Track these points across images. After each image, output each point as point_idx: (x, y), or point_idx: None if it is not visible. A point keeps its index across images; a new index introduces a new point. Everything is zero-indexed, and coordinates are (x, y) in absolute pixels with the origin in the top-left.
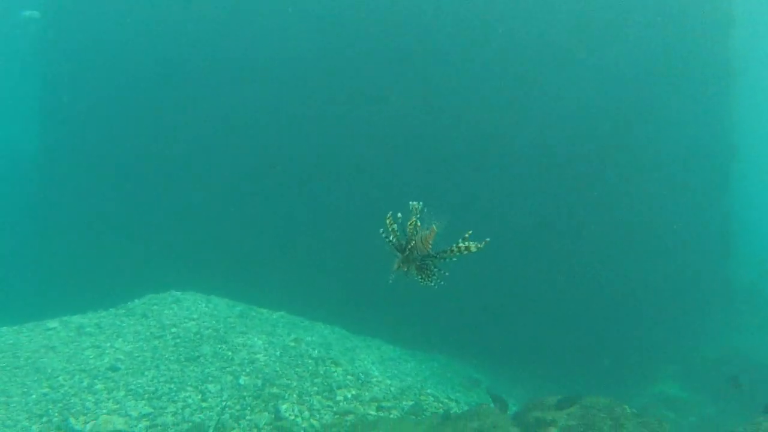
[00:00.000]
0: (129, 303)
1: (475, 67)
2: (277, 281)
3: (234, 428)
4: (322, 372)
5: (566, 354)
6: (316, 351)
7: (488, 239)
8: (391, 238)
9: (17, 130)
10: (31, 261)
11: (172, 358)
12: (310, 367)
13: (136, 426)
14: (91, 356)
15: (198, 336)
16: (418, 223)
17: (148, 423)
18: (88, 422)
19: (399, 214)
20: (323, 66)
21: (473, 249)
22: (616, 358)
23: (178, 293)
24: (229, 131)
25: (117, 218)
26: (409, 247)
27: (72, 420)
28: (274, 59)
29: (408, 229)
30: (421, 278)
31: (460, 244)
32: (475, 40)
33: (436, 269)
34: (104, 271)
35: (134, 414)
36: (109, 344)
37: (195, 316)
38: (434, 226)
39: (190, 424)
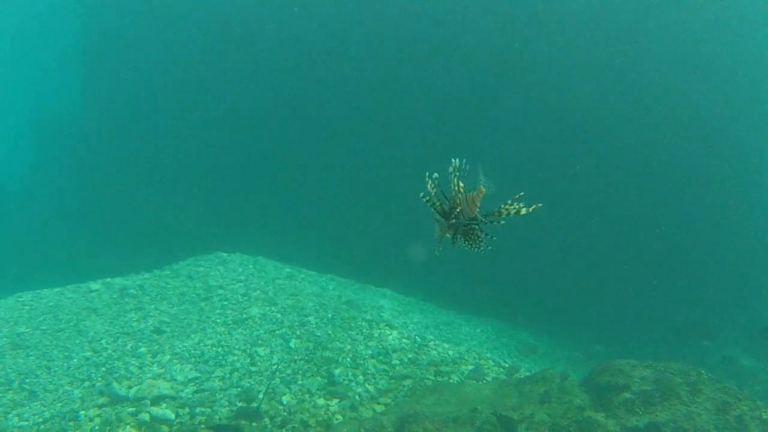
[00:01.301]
0: (174, 265)
1: None
2: (326, 243)
3: (285, 393)
4: (376, 335)
5: (627, 319)
6: (368, 314)
7: (540, 204)
8: (434, 202)
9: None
10: (74, 222)
11: (219, 320)
12: (364, 330)
13: (182, 391)
14: (135, 319)
15: (246, 298)
16: (461, 184)
17: (194, 388)
18: (133, 387)
19: (435, 174)
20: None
21: (523, 212)
22: (681, 323)
23: (224, 254)
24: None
25: (161, 179)
26: (456, 212)
27: (115, 384)
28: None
29: (452, 191)
30: (468, 244)
31: (509, 206)
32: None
33: (483, 234)
34: (149, 232)
35: (180, 378)
36: (153, 306)
37: (242, 278)
38: (482, 187)
39: (240, 389)
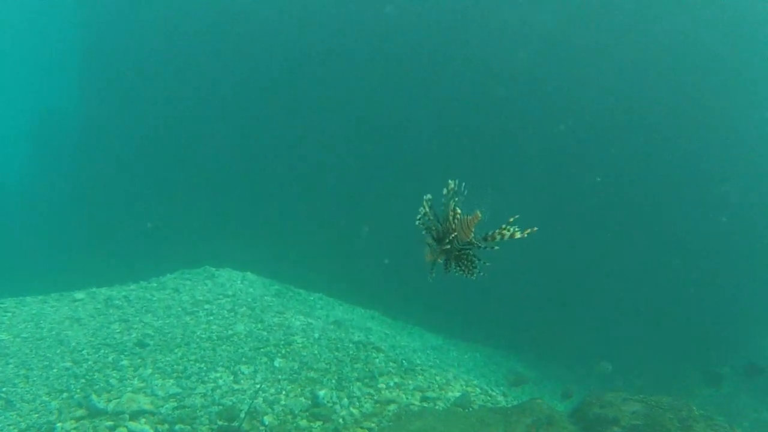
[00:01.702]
0: (161, 277)
1: None
2: (316, 262)
3: (268, 413)
4: (362, 357)
5: (620, 349)
6: (356, 335)
7: (535, 228)
8: (429, 226)
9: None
10: (60, 231)
11: (203, 336)
12: (351, 352)
13: (162, 406)
14: (118, 330)
15: (232, 314)
16: (458, 210)
17: (175, 404)
18: (112, 400)
19: (429, 196)
20: None
21: (518, 236)
22: (673, 356)
23: (213, 269)
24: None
25: (150, 191)
26: (450, 237)
27: (94, 397)
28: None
29: (448, 214)
30: (461, 270)
31: (504, 231)
32: None
33: (477, 260)
34: (136, 244)
35: (161, 393)
36: (138, 318)
37: (230, 293)
38: (478, 211)
39: (221, 407)
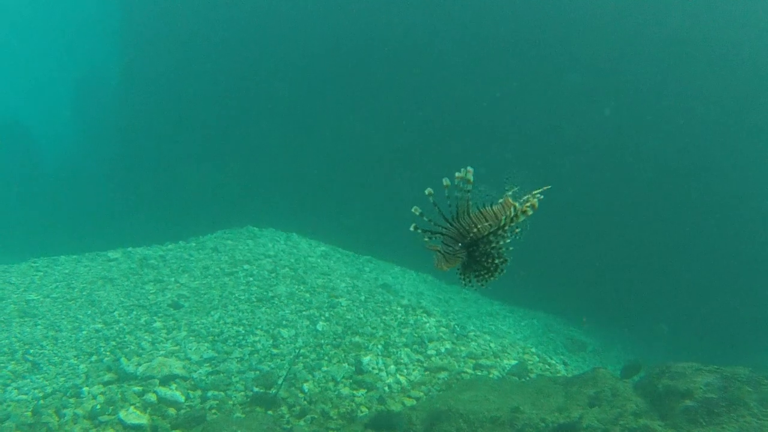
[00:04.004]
0: (200, 237)
1: None
2: (366, 224)
3: (308, 380)
4: (411, 322)
5: (688, 316)
6: (405, 299)
7: (548, 186)
8: (438, 230)
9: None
10: (99, 192)
11: (242, 297)
12: (399, 316)
13: (195, 371)
14: (152, 291)
15: (273, 275)
16: (508, 199)
17: (209, 368)
18: (142, 364)
19: (429, 190)
20: None
21: (536, 203)
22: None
23: (256, 229)
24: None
25: (197, 148)
26: (473, 233)
27: (124, 360)
28: None
29: (459, 208)
30: (485, 272)
31: (526, 206)
32: None
33: (497, 256)
34: (177, 204)
35: (195, 357)
36: (173, 279)
37: (271, 254)
38: (508, 197)
39: (258, 372)
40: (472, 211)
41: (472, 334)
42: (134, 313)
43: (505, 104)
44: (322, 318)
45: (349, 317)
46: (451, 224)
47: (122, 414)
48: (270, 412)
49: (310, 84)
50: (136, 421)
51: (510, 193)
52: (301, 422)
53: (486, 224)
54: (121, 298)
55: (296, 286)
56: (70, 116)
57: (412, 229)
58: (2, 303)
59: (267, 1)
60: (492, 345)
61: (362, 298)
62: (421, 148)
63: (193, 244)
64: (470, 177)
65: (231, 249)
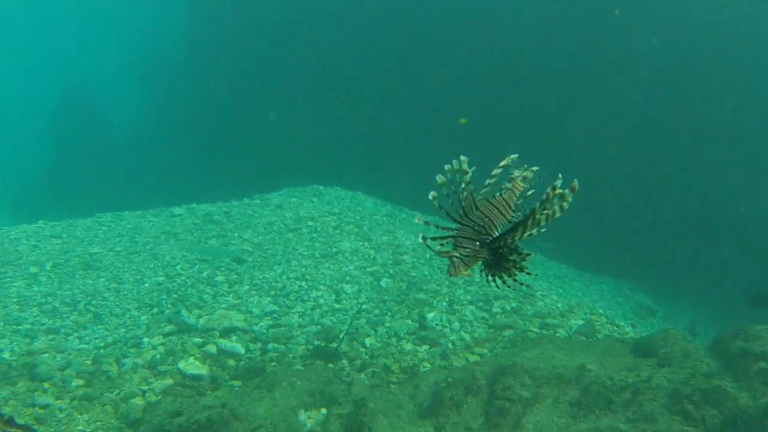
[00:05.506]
0: (265, 194)
1: None
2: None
3: (370, 335)
4: (477, 280)
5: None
6: None
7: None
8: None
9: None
10: (164, 150)
11: (306, 253)
12: None
13: (256, 324)
14: (216, 246)
15: (338, 231)
16: (518, 182)
17: (270, 322)
18: (203, 316)
19: (433, 194)
20: None
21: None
22: None
23: (321, 187)
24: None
25: (261, 109)
26: (485, 228)
27: (185, 312)
28: None
29: (466, 201)
30: (505, 273)
31: (551, 196)
32: None
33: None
34: (244, 164)
35: (256, 311)
36: (236, 234)
37: (336, 211)
38: (516, 178)
39: (319, 327)
40: (480, 203)
41: (539, 293)
42: (197, 267)
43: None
44: (387, 274)
45: (413, 274)
46: (462, 223)
47: (181, 364)
48: (330, 365)
49: (383, 42)
50: (195, 372)
51: (517, 174)
52: (362, 375)
53: (485, 221)
54: (183, 252)
55: (361, 243)
56: (137, 79)
57: (420, 240)
58: (66, 256)
59: None
60: (559, 305)
61: (427, 255)
62: (493, 106)
63: (258, 202)
64: (466, 167)
65: (295, 206)
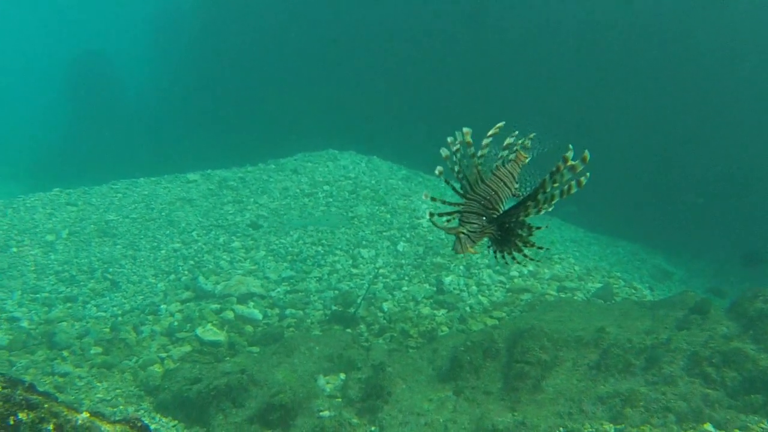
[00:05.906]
0: (280, 159)
1: None
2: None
3: (387, 300)
4: None
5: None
6: None
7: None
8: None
9: None
10: (179, 115)
11: (322, 218)
12: None
13: (274, 290)
14: (231, 212)
15: (354, 195)
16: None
17: (287, 287)
18: (220, 282)
19: (440, 169)
20: None
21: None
22: None
23: (336, 152)
24: None
25: (277, 72)
26: (491, 202)
27: (202, 279)
28: None
29: (472, 175)
30: (508, 251)
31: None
32: None
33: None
34: (258, 128)
35: (273, 277)
36: (252, 200)
37: (352, 175)
38: (521, 152)
39: (337, 291)
40: (486, 177)
41: (556, 257)
42: (213, 233)
43: None
44: (403, 239)
45: (430, 238)
46: (469, 198)
47: (199, 331)
48: (348, 330)
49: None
50: (213, 338)
51: (520, 144)
52: (380, 340)
53: (492, 195)
54: (199, 219)
55: (377, 207)
56: (150, 44)
57: (427, 217)
58: (82, 223)
59: None
60: (576, 268)
61: (444, 219)
62: (513, 70)
63: (273, 167)
64: (469, 138)
65: (311, 171)
